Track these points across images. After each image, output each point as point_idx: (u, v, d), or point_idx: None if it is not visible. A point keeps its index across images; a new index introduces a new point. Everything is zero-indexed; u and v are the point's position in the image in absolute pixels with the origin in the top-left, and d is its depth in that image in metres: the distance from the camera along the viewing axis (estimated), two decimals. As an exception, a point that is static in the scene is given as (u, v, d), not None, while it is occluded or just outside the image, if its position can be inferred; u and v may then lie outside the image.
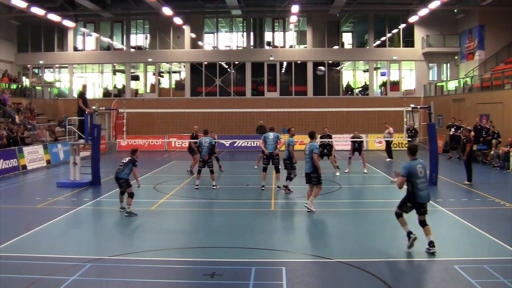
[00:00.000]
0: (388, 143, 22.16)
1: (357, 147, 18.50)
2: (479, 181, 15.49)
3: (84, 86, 16.58)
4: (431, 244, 8.01)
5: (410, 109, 16.53)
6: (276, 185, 14.40)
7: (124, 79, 35.11)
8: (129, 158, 11.47)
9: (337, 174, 17.33)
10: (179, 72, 35.93)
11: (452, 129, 22.26)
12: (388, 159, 21.75)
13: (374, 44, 33.97)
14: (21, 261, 7.77)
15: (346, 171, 17.87)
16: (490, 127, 20.46)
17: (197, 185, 14.49)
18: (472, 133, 21.35)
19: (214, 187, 14.53)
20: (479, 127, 21.16)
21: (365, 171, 18.05)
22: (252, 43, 34.79)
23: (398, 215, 8.52)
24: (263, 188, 14.13)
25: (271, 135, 14.30)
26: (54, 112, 32.65)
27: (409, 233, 8.18)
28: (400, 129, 19.33)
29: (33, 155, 20.14)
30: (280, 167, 14.19)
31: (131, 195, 11.22)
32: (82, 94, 16.05)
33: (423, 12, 29.05)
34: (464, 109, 26.42)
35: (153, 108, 26.26)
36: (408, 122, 20.10)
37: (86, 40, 35.24)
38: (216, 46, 34.97)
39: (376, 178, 17.57)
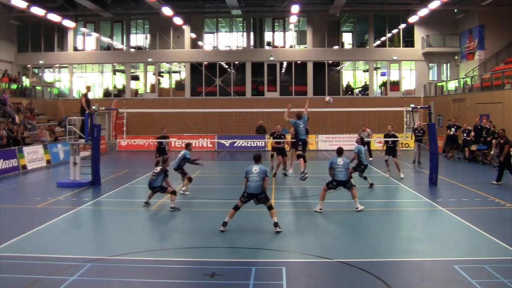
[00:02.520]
0: (368, 144, 22.42)
1: (391, 144, 16.80)
2: (479, 181, 15.49)
3: (89, 87, 16.63)
4: (276, 224, 9.47)
5: (410, 109, 16.51)
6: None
7: (124, 79, 35.11)
8: (161, 168, 11.97)
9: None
10: (179, 72, 35.93)
11: (453, 129, 22.24)
12: (370, 158, 22.11)
13: (374, 44, 33.97)
14: (21, 261, 7.77)
15: (386, 176, 16.67)
16: (490, 127, 20.44)
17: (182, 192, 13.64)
18: (472, 133, 21.43)
19: (184, 193, 13.70)
20: (479, 127, 21.16)
21: (402, 175, 16.25)
22: (252, 43, 34.80)
23: (236, 207, 9.64)
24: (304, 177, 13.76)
25: (301, 124, 13.91)
26: (54, 112, 32.66)
27: (225, 223, 9.52)
28: (400, 129, 19.30)
29: (33, 155, 20.13)
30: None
31: (173, 193, 11.77)
32: (85, 94, 16.14)
33: (423, 12, 29.04)
34: (464, 109, 26.42)
35: (153, 108, 26.25)
36: (415, 123, 20.07)
37: (86, 40, 35.24)
38: (216, 46, 34.97)
39: (375, 178, 17.55)
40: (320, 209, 11.25)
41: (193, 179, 14.03)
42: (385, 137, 17.32)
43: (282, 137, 17.33)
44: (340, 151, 11.93)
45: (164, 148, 18.01)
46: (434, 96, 31.02)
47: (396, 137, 17.48)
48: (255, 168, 9.76)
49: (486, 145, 20.19)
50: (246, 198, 9.63)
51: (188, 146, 14.39)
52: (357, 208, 11.31)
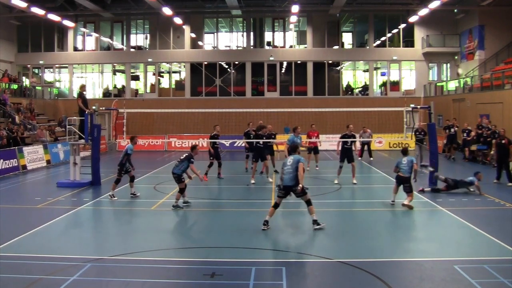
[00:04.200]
0: (368, 144, 22.70)
1: (348, 146, 15.37)
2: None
3: (83, 86, 16.58)
4: (315, 222, 9.49)
5: (410, 109, 16.47)
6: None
7: (124, 79, 35.11)
8: (186, 154, 11.60)
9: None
10: (179, 72, 35.93)
11: (452, 130, 22.24)
12: (370, 158, 22.38)
13: (374, 44, 33.95)
14: (21, 261, 7.77)
15: (335, 182, 15.22)
16: (491, 126, 20.42)
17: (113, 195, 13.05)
18: (473, 133, 21.41)
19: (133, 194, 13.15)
20: (480, 127, 21.16)
21: (354, 181, 15.06)
22: (252, 43, 34.79)
23: (276, 205, 9.59)
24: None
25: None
26: (54, 112, 32.66)
27: (267, 222, 9.49)
28: (400, 129, 19.28)
29: (33, 155, 20.14)
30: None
31: (180, 191, 11.59)
32: (81, 94, 16.06)
33: (423, 12, 29.05)
34: (464, 109, 26.42)
35: (153, 108, 26.25)
36: (416, 124, 20.00)
37: (86, 40, 35.23)
38: (216, 46, 34.97)
39: (376, 178, 17.57)
40: (392, 201, 12.05)
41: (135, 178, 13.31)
42: (342, 138, 15.59)
43: (272, 137, 17.37)
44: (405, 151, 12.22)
45: (217, 147, 16.51)
46: (434, 96, 31.02)
47: (355, 137, 15.84)
48: (290, 160, 9.61)
49: (486, 145, 20.19)
50: (282, 191, 9.48)
51: (133, 139, 13.03)
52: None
